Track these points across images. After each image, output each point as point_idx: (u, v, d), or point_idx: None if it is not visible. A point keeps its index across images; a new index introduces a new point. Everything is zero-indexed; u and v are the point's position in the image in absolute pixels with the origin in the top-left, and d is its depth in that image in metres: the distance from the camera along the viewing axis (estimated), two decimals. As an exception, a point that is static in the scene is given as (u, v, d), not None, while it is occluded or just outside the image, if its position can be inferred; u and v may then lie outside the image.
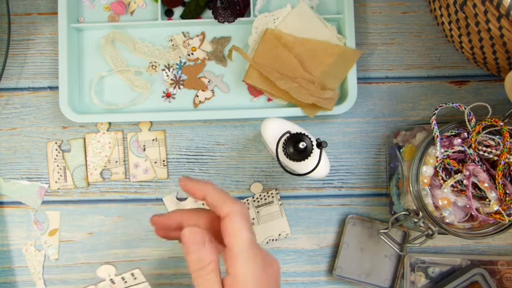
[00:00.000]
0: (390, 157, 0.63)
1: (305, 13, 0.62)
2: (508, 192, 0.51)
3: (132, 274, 0.56)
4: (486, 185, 0.52)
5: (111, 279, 0.57)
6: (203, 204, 0.64)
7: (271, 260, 0.42)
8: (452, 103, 0.53)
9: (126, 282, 0.54)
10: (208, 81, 0.64)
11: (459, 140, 0.53)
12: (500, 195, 0.51)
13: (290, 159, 0.51)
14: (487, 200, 0.52)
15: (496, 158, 0.52)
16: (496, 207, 0.51)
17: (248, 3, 0.63)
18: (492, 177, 0.52)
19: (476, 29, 0.51)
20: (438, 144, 0.52)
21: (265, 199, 0.64)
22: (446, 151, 0.53)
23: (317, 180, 0.65)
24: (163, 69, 0.64)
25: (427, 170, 0.53)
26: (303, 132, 0.51)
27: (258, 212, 0.64)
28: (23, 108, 0.65)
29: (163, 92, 0.64)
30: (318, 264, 0.64)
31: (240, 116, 0.62)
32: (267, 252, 0.42)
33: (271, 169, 0.64)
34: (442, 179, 0.54)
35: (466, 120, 0.53)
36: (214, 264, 0.40)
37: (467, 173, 0.52)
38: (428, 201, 0.53)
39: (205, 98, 0.64)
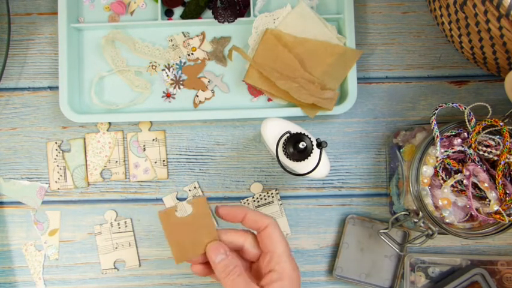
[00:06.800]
0: (390, 157, 0.63)
1: (305, 13, 0.62)
2: (508, 192, 0.51)
3: (125, 222, 0.64)
4: (486, 185, 0.52)
5: (111, 223, 0.64)
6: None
7: (296, 264, 0.49)
8: (452, 103, 0.53)
9: (119, 227, 0.64)
10: (208, 81, 0.64)
11: (459, 140, 0.53)
12: (500, 195, 0.51)
13: (290, 159, 0.51)
14: (487, 200, 0.52)
15: (496, 158, 0.52)
16: (496, 207, 0.51)
17: (248, 3, 0.63)
18: (492, 177, 0.52)
19: (476, 29, 0.51)
20: (438, 144, 0.52)
21: (265, 199, 0.64)
22: (446, 151, 0.53)
23: (317, 180, 0.65)
24: (163, 69, 0.64)
25: (427, 170, 0.53)
26: (303, 132, 0.51)
27: (258, 212, 0.64)
28: (23, 108, 0.65)
29: (163, 92, 0.64)
30: (318, 264, 0.64)
31: (240, 116, 0.62)
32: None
33: (271, 169, 0.64)
34: (442, 179, 0.53)
35: (466, 120, 0.52)
36: (240, 267, 0.47)
37: (467, 173, 0.52)
38: (428, 201, 0.53)
39: (205, 98, 0.64)
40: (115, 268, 0.64)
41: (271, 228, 0.48)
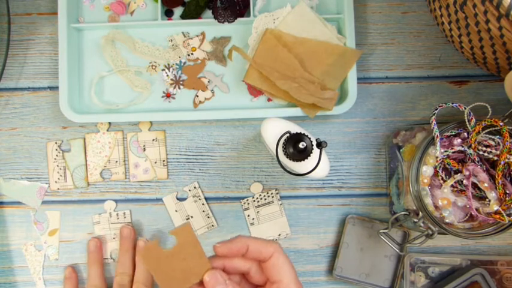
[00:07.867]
0: (390, 157, 0.63)
1: (305, 13, 0.62)
2: (507, 192, 0.51)
3: (124, 213, 0.64)
4: (486, 185, 0.52)
5: (110, 213, 0.64)
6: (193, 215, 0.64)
7: None
8: (452, 103, 0.53)
9: (118, 218, 0.64)
10: (208, 81, 0.64)
11: (459, 140, 0.53)
12: (500, 195, 0.51)
13: (290, 159, 0.51)
14: (487, 200, 0.52)
15: (495, 158, 0.52)
16: (495, 207, 0.51)
17: (248, 3, 0.63)
18: (492, 177, 0.52)
19: (476, 29, 0.51)
20: (438, 144, 0.52)
21: (265, 199, 0.64)
22: (446, 151, 0.53)
23: (317, 180, 0.65)
24: (163, 69, 0.64)
25: (427, 170, 0.53)
26: (303, 132, 0.51)
27: (258, 212, 0.64)
28: (23, 108, 0.65)
29: (163, 92, 0.64)
30: (318, 264, 0.64)
31: (240, 116, 0.62)
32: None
33: (271, 169, 0.64)
34: (442, 179, 0.53)
35: (466, 120, 0.52)
36: None
37: (467, 173, 0.52)
38: (428, 201, 0.53)
39: (205, 98, 0.64)
40: (111, 258, 0.64)
41: (277, 258, 0.46)
